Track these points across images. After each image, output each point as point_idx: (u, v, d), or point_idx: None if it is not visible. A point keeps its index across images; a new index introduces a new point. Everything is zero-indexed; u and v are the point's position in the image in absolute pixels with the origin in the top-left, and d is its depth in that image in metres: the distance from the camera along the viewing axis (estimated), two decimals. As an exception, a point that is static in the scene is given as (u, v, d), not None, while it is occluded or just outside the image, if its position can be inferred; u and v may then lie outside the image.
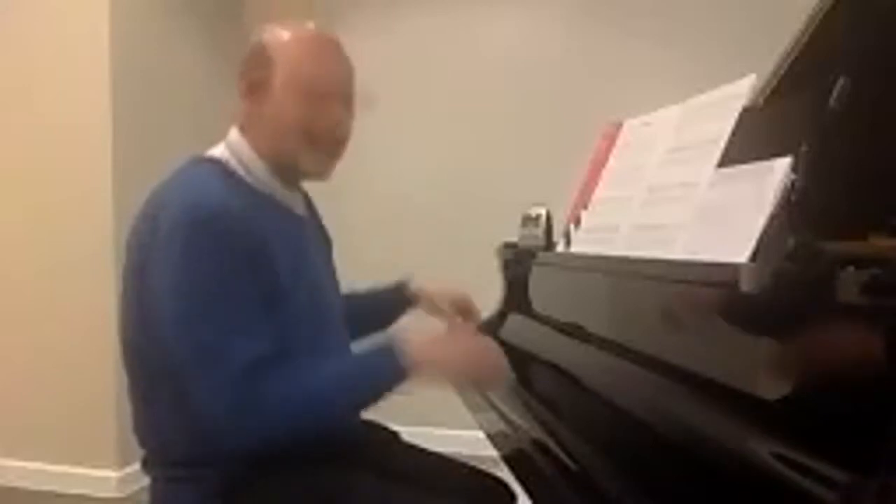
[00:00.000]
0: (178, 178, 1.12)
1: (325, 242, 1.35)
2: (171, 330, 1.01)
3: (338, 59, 1.18)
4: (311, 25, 1.19)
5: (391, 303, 1.49)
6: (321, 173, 1.18)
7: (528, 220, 1.67)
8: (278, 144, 1.14)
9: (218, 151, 1.16)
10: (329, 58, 1.17)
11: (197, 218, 1.01)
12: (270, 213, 1.13)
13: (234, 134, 1.17)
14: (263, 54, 1.14)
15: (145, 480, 1.17)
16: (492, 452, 1.27)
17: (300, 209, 1.24)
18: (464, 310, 1.48)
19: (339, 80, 1.17)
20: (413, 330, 1.13)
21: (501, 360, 1.16)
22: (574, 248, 1.36)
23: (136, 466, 2.87)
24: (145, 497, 1.17)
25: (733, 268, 0.79)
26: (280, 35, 1.15)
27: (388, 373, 1.03)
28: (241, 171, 1.14)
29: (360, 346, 1.27)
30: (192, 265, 1.00)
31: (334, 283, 1.31)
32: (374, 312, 1.46)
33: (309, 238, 1.25)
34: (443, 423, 2.97)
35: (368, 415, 1.31)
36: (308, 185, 1.28)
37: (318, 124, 1.13)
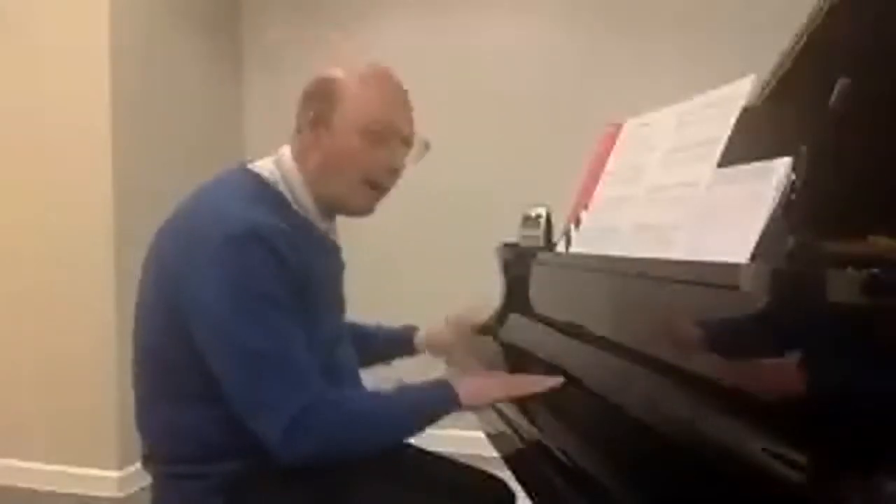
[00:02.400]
0: (224, 188, 1.12)
1: (341, 266, 1.35)
2: (219, 335, 1.01)
3: (402, 102, 1.19)
4: (377, 65, 1.19)
5: (396, 346, 1.50)
6: (366, 212, 1.20)
7: (528, 220, 1.67)
8: (330, 179, 1.14)
9: (267, 170, 1.16)
10: (393, 100, 1.18)
11: (248, 231, 1.01)
12: (311, 239, 1.14)
13: (287, 156, 1.17)
14: (326, 91, 1.14)
15: (145, 480, 1.17)
16: (492, 452, 1.27)
17: (334, 236, 1.25)
18: (464, 323, 1.52)
19: (401, 124, 1.18)
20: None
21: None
22: (574, 248, 1.36)
23: (137, 466, 2.86)
24: (145, 497, 1.17)
25: (733, 268, 0.79)
26: (349, 72, 1.15)
27: (442, 408, 1.09)
28: (287, 194, 1.14)
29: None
30: (244, 275, 1.00)
31: (341, 292, 1.31)
32: (376, 350, 1.46)
33: (338, 267, 1.27)
34: (443, 424, 2.97)
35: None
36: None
37: (376, 165, 1.15)
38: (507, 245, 1.72)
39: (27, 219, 2.82)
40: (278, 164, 1.16)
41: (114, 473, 2.75)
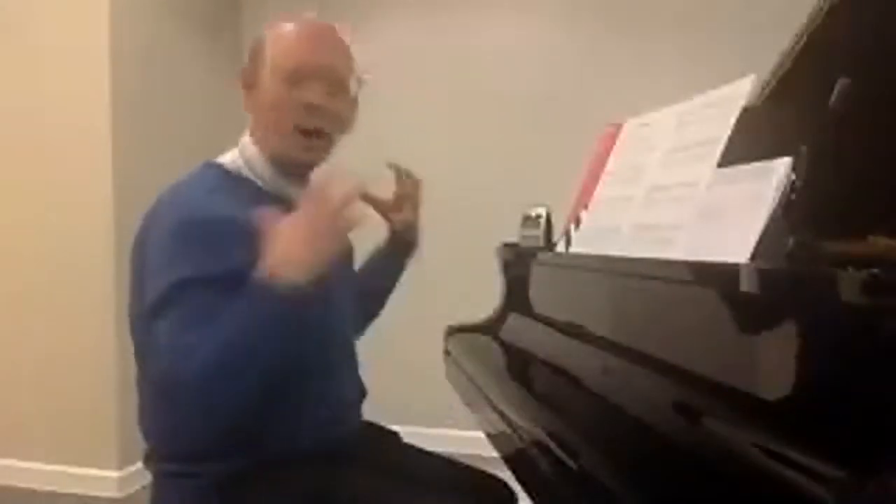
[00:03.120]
0: (180, 183, 1.14)
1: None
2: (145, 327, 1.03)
3: (321, 43, 1.17)
4: (307, 16, 1.19)
5: (383, 255, 1.49)
6: (311, 158, 1.18)
7: (528, 220, 1.67)
8: (269, 134, 1.16)
9: (228, 158, 1.19)
10: (311, 43, 1.16)
11: (184, 221, 1.03)
12: (274, 212, 1.14)
13: (244, 135, 1.20)
14: (255, 50, 1.17)
15: (145, 480, 1.17)
16: (492, 452, 1.27)
17: None
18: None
19: (318, 64, 1.14)
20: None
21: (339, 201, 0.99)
22: (574, 248, 1.36)
23: (136, 466, 2.87)
24: (145, 497, 1.17)
25: (733, 268, 0.79)
26: (270, 28, 1.17)
27: (269, 293, 0.95)
28: (246, 172, 1.16)
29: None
30: (169, 265, 1.02)
31: (345, 286, 1.30)
32: (374, 273, 1.47)
33: None
34: (443, 423, 2.97)
35: (368, 415, 1.32)
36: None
37: (296, 107, 1.13)
38: (507, 245, 1.72)
39: (27, 219, 2.82)
40: (241, 149, 1.19)
41: (114, 473, 2.75)
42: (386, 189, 1.48)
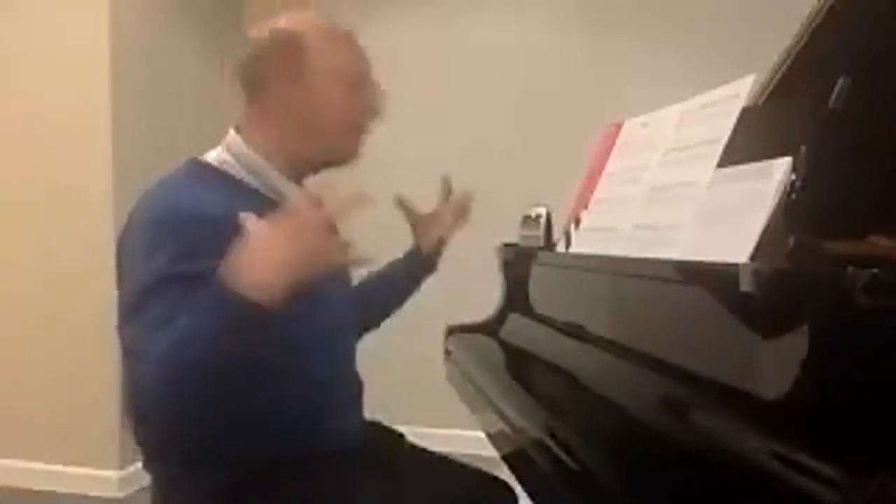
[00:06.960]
0: (161, 181, 1.13)
1: None
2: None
3: (359, 45, 1.19)
4: (313, 14, 1.20)
5: (410, 264, 1.48)
6: (356, 157, 1.19)
7: (528, 220, 1.67)
8: (310, 134, 1.13)
9: (213, 154, 1.15)
10: (355, 44, 1.18)
11: (161, 216, 1.03)
12: (262, 213, 1.12)
13: (232, 135, 1.16)
14: (294, 44, 1.11)
15: (145, 480, 1.17)
16: (492, 452, 1.27)
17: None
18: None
19: (368, 67, 1.18)
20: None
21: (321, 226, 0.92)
22: (574, 248, 1.36)
23: (136, 466, 2.86)
24: (145, 497, 1.17)
25: (733, 268, 0.79)
26: (304, 25, 1.14)
27: (228, 297, 0.88)
28: (233, 170, 1.13)
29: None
30: (144, 263, 1.02)
31: (342, 282, 1.29)
32: (389, 286, 1.46)
33: None
34: (443, 423, 2.97)
35: (368, 415, 1.31)
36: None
37: (360, 109, 1.15)
38: (507, 245, 1.72)
39: (27, 218, 2.82)
40: (228, 146, 1.15)
41: (114, 473, 2.75)
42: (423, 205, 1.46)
